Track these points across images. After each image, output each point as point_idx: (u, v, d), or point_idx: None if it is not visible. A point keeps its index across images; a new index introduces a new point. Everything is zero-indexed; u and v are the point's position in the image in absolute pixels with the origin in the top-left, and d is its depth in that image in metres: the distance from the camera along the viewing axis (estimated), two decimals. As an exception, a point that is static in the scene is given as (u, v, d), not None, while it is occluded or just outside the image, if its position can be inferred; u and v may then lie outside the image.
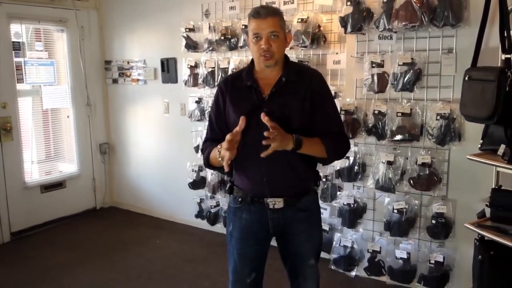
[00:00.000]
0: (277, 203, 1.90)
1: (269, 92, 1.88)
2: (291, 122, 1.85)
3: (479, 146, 2.32)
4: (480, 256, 2.24)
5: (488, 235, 2.17)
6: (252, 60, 1.97)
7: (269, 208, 1.91)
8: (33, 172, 4.57)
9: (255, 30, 1.84)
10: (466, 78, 2.28)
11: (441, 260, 2.84)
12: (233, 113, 1.92)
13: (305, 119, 1.89)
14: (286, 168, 1.87)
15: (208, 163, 1.99)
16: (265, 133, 1.70)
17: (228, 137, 1.76)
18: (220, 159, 1.80)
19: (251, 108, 1.86)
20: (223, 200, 3.97)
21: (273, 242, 2.06)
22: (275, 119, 1.78)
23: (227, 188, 2.05)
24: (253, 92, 1.90)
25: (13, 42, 4.20)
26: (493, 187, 2.38)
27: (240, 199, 1.97)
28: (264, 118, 1.74)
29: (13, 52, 4.20)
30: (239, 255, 1.99)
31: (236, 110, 1.91)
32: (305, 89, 1.89)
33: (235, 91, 1.95)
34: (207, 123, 3.81)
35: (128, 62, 4.77)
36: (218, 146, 1.83)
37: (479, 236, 2.25)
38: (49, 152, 4.72)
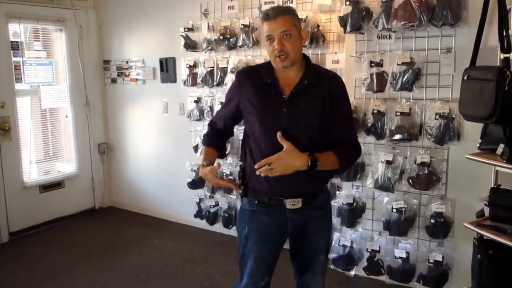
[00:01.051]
0: (296, 203, 1.90)
1: (289, 93, 1.87)
2: (310, 126, 1.85)
3: (478, 145, 2.32)
4: (479, 256, 2.24)
5: (487, 234, 2.17)
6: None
7: (288, 209, 1.91)
8: (32, 172, 4.56)
9: (267, 32, 1.84)
10: (465, 78, 2.28)
11: (440, 259, 2.84)
12: (251, 109, 1.91)
13: (324, 123, 1.88)
14: (305, 170, 1.82)
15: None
16: (264, 161, 1.76)
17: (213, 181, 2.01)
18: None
19: (273, 107, 1.87)
20: (222, 200, 3.97)
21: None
22: (291, 137, 1.79)
23: (241, 191, 2.01)
24: (273, 91, 1.89)
25: (12, 41, 4.19)
26: (492, 186, 2.38)
27: (256, 202, 1.96)
28: (280, 138, 1.77)
29: (12, 51, 4.19)
30: (255, 258, 1.97)
31: (255, 106, 1.90)
32: (325, 92, 1.88)
33: (255, 87, 1.92)
34: (206, 122, 3.89)
35: (126, 62, 4.77)
36: (203, 163, 2.04)
37: (478, 235, 2.25)
38: (47, 152, 4.72)
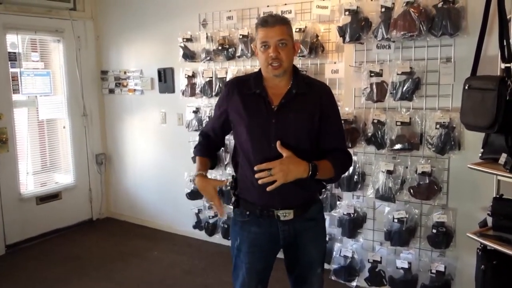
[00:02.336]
0: (287, 214, 1.88)
1: (278, 103, 1.87)
2: (300, 136, 1.85)
3: (480, 155, 2.32)
4: (482, 266, 2.23)
5: (490, 244, 2.16)
6: (260, 68, 1.95)
7: (280, 220, 1.89)
8: (29, 183, 4.52)
9: (263, 39, 1.83)
10: (466, 87, 2.28)
11: (442, 269, 2.82)
12: (242, 122, 1.90)
13: (313, 133, 1.88)
14: (296, 180, 1.81)
15: (194, 159, 2.09)
16: (265, 165, 1.74)
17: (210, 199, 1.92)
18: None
19: (261, 117, 1.86)
20: (221, 211, 3.93)
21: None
22: (292, 149, 1.79)
23: (232, 202, 2.01)
24: (261, 101, 1.88)
25: (9, 52, 4.17)
26: (494, 196, 2.37)
27: (248, 213, 1.94)
28: (279, 147, 1.77)
29: (9, 62, 4.17)
30: (247, 269, 1.96)
31: (245, 119, 1.89)
32: (314, 102, 1.88)
33: (242, 96, 1.92)
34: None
35: (124, 72, 4.76)
36: (196, 172, 1.96)
37: (482, 245, 2.24)
38: (45, 163, 4.68)
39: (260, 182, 1.73)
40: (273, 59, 1.81)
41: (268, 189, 1.73)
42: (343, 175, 3.10)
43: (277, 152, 1.81)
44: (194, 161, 2.11)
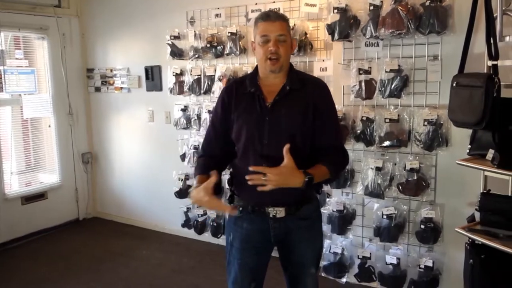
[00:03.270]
0: (278, 212, 1.88)
1: (272, 100, 1.87)
2: (292, 132, 1.84)
3: (468, 151, 2.34)
4: (471, 260, 2.25)
5: (479, 239, 2.19)
6: (256, 67, 1.95)
7: (270, 217, 1.89)
8: (13, 183, 4.44)
9: (263, 32, 1.83)
10: (454, 84, 2.31)
11: (431, 264, 2.86)
12: (237, 121, 1.90)
13: (307, 129, 1.87)
14: None
15: None
16: (261, 169, 1.70)
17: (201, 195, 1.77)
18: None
19: (255, 115, 1.86)
20: (210, 209, 3.93)
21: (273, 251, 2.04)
22: (281, 144, 1.76)
23: (227, 198, 2.01)
24: (256, 99, 1.88)
25: (-8, 50, 4.10)
26: (482, 191, 2.41)
27: (241, 209, 1.93)
28: (286, 151, 1.72)
29: (-8, 60, 4.10)
30: (239, 265, 1.95)
31: (240, 118, 1.89)
32: (308, 98, 1.87)
33: (239, 98, 1.92)
34: (193, 130, 3.85)
35: (111, 70, 4.70)
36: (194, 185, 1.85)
37: (470, 240, 2.27)
38: (29, 163, 4.61)
39: (250, 183, 1.72)
40: (272, 53, 1.81)
41: (258, 189, 1.72)
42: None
43: (269, 149, 1.81)
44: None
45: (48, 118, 4.68)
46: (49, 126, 4.69)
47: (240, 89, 1.94)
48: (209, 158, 1.99)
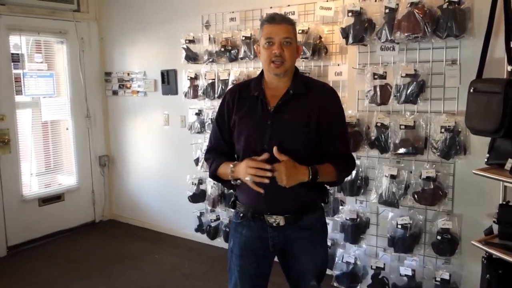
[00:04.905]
0: (277, 220, 1.83)
1: (274, 104, 1.83)
2: (294, 138, 1.80)
3: (486, 160, 2.25)
4: (488, 275, 2.16)
5: (496, 253, 2.08)
6: (262, 71, 1.93)
7: (269, 225, 1.84)
8: (32, 184, 4.51)
9: (268, 35, 1.81)
10: (471, 90, 2.22)
11: (447, 277, 2.74)
12: (238, 124, 1.88)
13: (310, 135, 1.82)
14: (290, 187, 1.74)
15: (214, 176, 1.94)
16: (272, 166, 1.67)
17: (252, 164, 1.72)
18: (248, 180, 1.74)
19: (257, 119, 1.83)
20: (223, 214, 3.89)
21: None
22: (287, 151, 1.73)
23: (230, 203, 1.99)
24: (259, 103, 1.85)
25: (12, 54, 4.17)
26: (501, 202, 2.30)
27: (241, 215, 1.91)
28: (276, 154, 1.71)
29: (12, 64, 4.17)
30: (239, 272, 1.92)
31: (241, 121, 1.87)
32: (312, 103, 1.83)
33: (242, 100, 1.90)
34: (207, 135, 3.83)
35: (128, 74, 4.74)
36: (231, 165, 1.82)
37: (487, 254, 2.17)
38: (48, 165, 4.67)
39: (257, 180, 1.68)
40: (276, 56, 1.78)
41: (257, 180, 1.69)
42: (346, 179, 3.08)
43: (271, 154, 1.76)
44: (217, 181, 1.98)
45: (66, 121, 4.74)
46: (67, 129, 4.75)
47: (244, 92, 1.92)
48: (220, 152, 1.97)
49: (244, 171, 1.74)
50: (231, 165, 1.82)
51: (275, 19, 1.82)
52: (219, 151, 1.98)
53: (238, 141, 1.89)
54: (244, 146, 1.85)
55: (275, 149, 1.72)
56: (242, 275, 1.92)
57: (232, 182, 1.85)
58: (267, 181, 1.69)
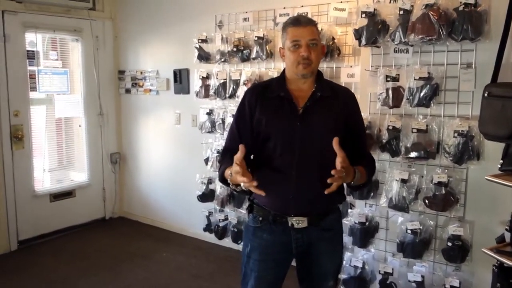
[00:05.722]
0: (301, 222, 1.82)
1: (303, 105, 1.83)
2: (324, 139, 1.76)
3: (499, 166, 2.19)
4: (498, 284, 2.10)
5: (507, 262, 2.03)
6: (283, 72, 1.93)
7: (293, 227, 1.83)
8: (45, 180, 4.55)
9: (294, 37, 1.81)
10: (486, 95, 2.17)
11: (457, 285, 2.68)
12: (266, 125, 1.85)
13: (338, 137, 1.77)
14: (316, 186, 1.75)
15: (223, 180, 1.90)
16: (333, 171, 1.62)
17: (236, 167, 1.67)
18: (243, 186, 1.73)
19: (286, 120, 1.83)
20: (231, 214, 3.88)
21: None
22: (317, 153, 1.77)
23: (247, 207, 1.97)
24: (286, 103, 1.84)
25: (28, 51, 4.22)
26: (514, 210, 2.24)
27: (261, 218, 1.88)
28: (335, 144, 1.66)
29: (27, 60, 4.21)
30: (257, 278, 1.89)
31: (268, 122, 1.84)
32: (339, 106, 1.86)
33: (266, 101, 1.88)
34: (217, 134, 3.82)
35: (141, 72, 4.76)
36: (228, 172, 1.78)
37: (498, 262, 2.12)
38: (61, 161, 4.72)
39: (334, 185, 1.64)
40: (305, 58, 1.78)
41: (327, 191, 1.65)
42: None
43: (300, 156, 1.78)
44: (226, 185, 1.91)
45: (79, 118, 4.78)
46: (80, 126, 4.79)
47: (266, 92, 1.89)
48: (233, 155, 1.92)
49: (236, 175, 1.70)
50: (229, 171, 1.77)
51: (300, 22, 1.82)
52: (233, 153, 1.94)
53: (265, 144, 1.86)
54: (273, 148, 1.83)
55: (335, 139, 1.66)
56: (260, 281, 1.90)
57: (231, 187, 1.80)
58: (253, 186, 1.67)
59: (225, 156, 1.94)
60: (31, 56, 4.25)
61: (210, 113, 3.90)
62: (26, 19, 4.15)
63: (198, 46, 3.88)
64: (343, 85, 3.15)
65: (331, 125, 1.82)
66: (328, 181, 1.62)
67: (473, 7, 2.50)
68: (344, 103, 1.87)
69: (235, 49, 3.63)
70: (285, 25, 1.87)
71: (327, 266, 1.92)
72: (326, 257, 1.91)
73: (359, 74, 3.11)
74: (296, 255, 1.91)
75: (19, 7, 4.08)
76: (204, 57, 3.88)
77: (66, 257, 4.03)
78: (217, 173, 1.97)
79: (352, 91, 2.03)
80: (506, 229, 2.16)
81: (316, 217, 1.84)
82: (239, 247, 3.88)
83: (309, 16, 3.26)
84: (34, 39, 4.27)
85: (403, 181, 2.81)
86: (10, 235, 4.12)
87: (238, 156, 1.67)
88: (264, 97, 1.88)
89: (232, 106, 3.71)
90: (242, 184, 1.70)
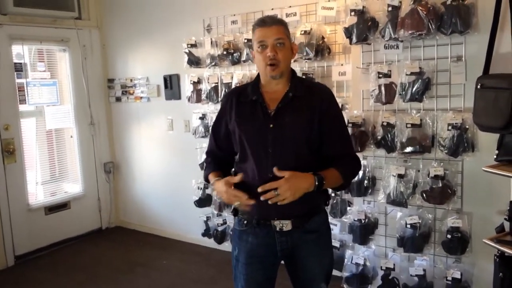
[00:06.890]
0: (284, 225, 1.81)
1: (275, 107, 1.81)
2: (297, 141, 1.78)
3: (495, 157, 2.21)
4: (501, 274, 2.12)
5: (508, 251, 2.05)
6: (258, 75, 1.91)
7: (277, 230, 1.81)
8: (38, 193, 4.50)
9: (260, 38, 1.79)
10: (479, 87, 2.19)
11: (459, 276, 2.71)
12: (238, 130, 1.85)
13: (313, 137, 1.81)
14: None
15: (207, 180, 1.98)
16: (268, 185, 1.67)
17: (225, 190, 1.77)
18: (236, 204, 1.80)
19: (258, 123, 1.81)
20: (230, 218, 3.87)
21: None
22: (291, 155, 1.76)
23: (231, 210, 1.96)
24: (258, 107, 1.83)
25: (15, 63, 4.17)
26: (511, 199, 2.27)
27: (245, 222, 1.88)
28: (277, 172, 1.69)
29: (15, 73, 4.16)
30: (246, 280, 1.89)
31: (241, 126, 1.85)
32: (313, 105, 1.81)
33: (240, 105, 1.88)
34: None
35: (131, 80, 4.73)
36: (211, 182, 1.89)
37: (499, 252, 2.14)
38: (53, 173, 4.67)
39: (270, 202, 1.67)
40: (271, 59, 1.77)
41: (270, 201, 1.67)
42: (353, 180, 3.05)
43: (274, 158, 1.75)
44: (205, 181, 2.03)
45: (70, 128, 4.73)
46: (71, 137, 4.75)
47: (241, 97, 1.89)
48: (215, 158, 2.01)
49: (225, 196, 1.78)
50: (211, 182, 1.87)
51: (265, 22, 1.81)
52: (213, 156, 2.02)
53: (240, 147, 1.87)
54: (247, 152, 1.83)
55: (275, 169, 1.69)
56: (249, 283, 1.89)
57: (216, 198, 1.87)
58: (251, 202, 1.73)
59: (207, 160, 2.04)
60: (19, 68, 4.19)
61: (203, 117, 3.89)
62: (12, 31, 4.11)
63: (187, 51, 3.87)
64: (334, 83, 3.21)
65: (304, 124, 1.79)
66: (262, 198, 1.67)
67: (460, 1, 2.53)
68: (318, 102, 1.82)
69: (225, 52, 3.62)
70: (253, 27, 1.85)
71: (315, 270, 1.89)
72: (313, 260, 1.88)
73: (350, 72, 3.12)
74: (282, 257, 1.90)
75: (4, 19, 4.04)
76: (194, 61, 3.87)
77: (65, 270, 3.99)
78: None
79: (330, 89, 1.96)
80: (505, 219, 2.19)
81: (299, 219, 1.82)
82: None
83: (298, 15, 3.28)
84: (21, 51, 4.22)
85: (400, 176, 2.82)
86: (6, 250, 4.06)
87: (231, 182, 1.77)
88: (239, 101, 1.89)
89: (225, 110, 3.70)
90: (236, 203, 1.77)
